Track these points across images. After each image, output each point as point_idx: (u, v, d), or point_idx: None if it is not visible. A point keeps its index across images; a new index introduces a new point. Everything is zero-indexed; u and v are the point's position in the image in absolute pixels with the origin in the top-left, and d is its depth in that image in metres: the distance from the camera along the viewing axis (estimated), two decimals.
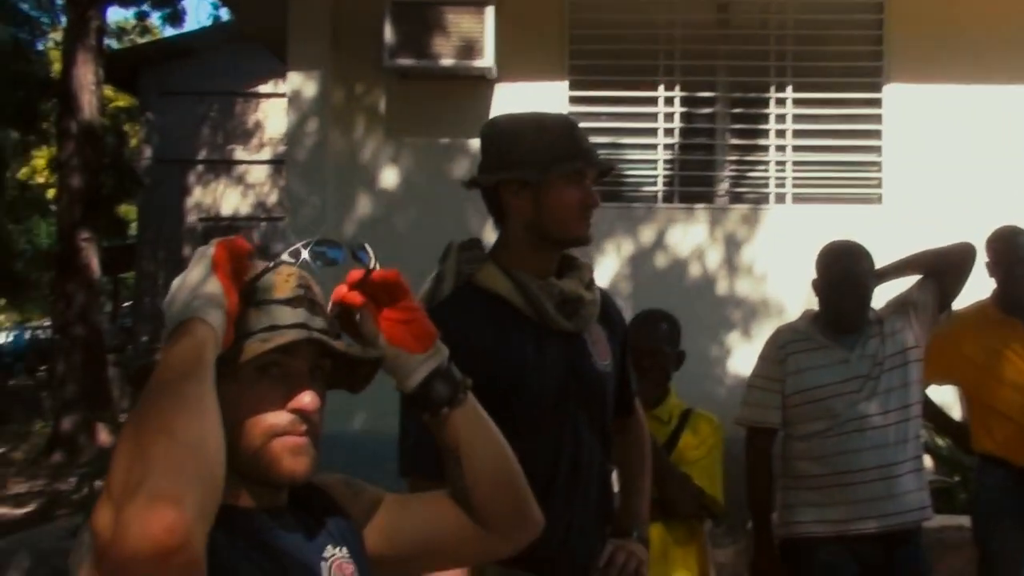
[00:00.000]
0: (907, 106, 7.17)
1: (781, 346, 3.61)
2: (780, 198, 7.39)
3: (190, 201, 18.05)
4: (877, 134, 7.29)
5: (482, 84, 7.33)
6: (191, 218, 17.94)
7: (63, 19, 14.44)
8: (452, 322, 2.29)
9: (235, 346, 1.33)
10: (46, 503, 9.75)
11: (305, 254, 1.43)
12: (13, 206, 16.87)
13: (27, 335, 26.83)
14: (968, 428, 4.10)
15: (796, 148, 7.42)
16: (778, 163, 7.44)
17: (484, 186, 2.39)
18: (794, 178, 7.39)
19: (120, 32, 24.51)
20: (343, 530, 1.50)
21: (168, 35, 22.85)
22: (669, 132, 7.52)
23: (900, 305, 3.61)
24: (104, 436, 12.21)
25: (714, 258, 7.40)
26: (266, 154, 18.27)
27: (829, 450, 3.46)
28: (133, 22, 22.82)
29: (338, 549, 1.46)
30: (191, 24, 65.35)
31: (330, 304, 1.49)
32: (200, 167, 18.28)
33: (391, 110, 7.46)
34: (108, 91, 18.99)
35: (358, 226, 7.50)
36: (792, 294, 6.54)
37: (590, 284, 2.45)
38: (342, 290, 1.50)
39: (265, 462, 1.37)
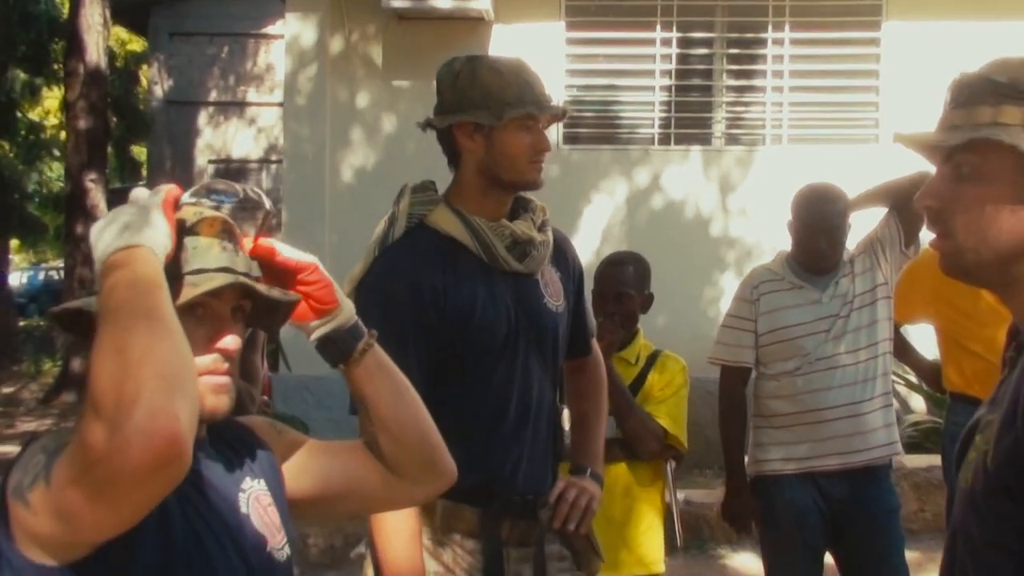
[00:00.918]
0: (906, 44, 7.13)
1: (755, 286, 3.66)
2: (776, 139, 7.39)
3: (201, 143, 18.03)
4: (875, 74, 7.26)
5: (480, 26, 7.32)
6: (201, 160, 17.95)
7: None
8: (404, 262, 2.35)
9: None
10: None
11: (207, 200, 1.48)
12: (24, 147, 16.90)
13: (41, 276, 27.06)
14: (939, 366, 4.14)
15: (793, 89, 7.40)
16: (774, 104, 7.42)
17: (439, 128, 2.43)
18: (790, 119, 7.39)
19: None
20: (263, 465, 1.59)
21: None
22: (666, 74, 7.51)
23: (868, 244, 3.64)
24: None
25: (709, 200, 7.42)
26: (277, 96, 18.22)
27: (799, 389, 3.51)
28: None
29: (256, 482, 1.55)
30: None
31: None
32: (211, 109, 18.25)
33: (388, 53, 7.47)
34: (121, 33, 18.92)
35: (355, 169, 7.55)
36: (787, 235, 6.55)
37: (543, 226, 2.49)
38: (254, 242, 1.55)
39: None
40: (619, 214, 7.45)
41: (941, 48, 6.91)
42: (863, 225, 3.72)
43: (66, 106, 13.31)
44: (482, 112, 2.36)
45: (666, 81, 7.50)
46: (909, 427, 6.94)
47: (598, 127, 7.65)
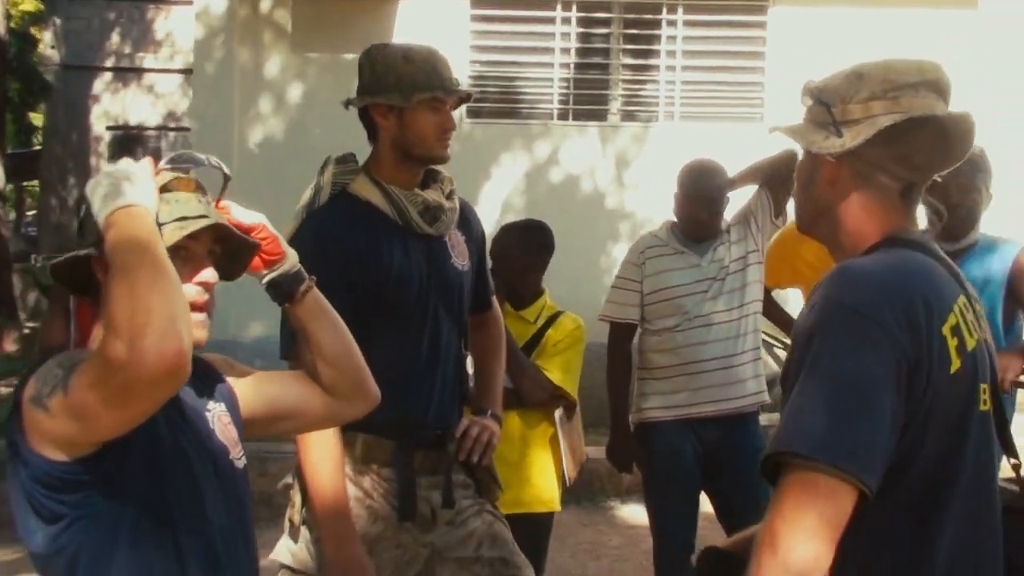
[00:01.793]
0: (791, 28, 7.57)
1: (641, 251, 4.04)
2: (669, 116, 7.79)
3: (98, 109, 17.78)
4: (761, 55, 7.70)
5: (386, 1, 7.55)
6: (99, 126, 17.74)
7: None
8: (330, 225, 2.67)
9: None
10: None
11: (181, 166, 1.81)
12: None
13: None
14: None
15: (685, 68, 7.80)
16: (668, 83, 7.82)
17: (358, 107, 2.75)
18: (682, 98, 7.79)
19: None
20: (222, 391, 1.93)
21: None
22: (565, 52, 7.84)
23: (743, 215, 4.04)
24: (8, 344, 12.26)
25: (606, 174, 7.80)
26: (177, 63, 18.07)
27: (679, 343, 3.90)
28: None
29: (218, 405, 1.90)
30: None
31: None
32: (109, 75, 18.02)
33: (296, 25, 7.65)
34: None
35: (263, 139, 7.73)
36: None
37: (450, 194, 2.83)
38: (216, 203, 1.87)
39: None
40: (520, 185, 7.79)
41: (823, 33, 7.37)
42: (739, 199, 4.11)
43: None
44: (394, 95, 2.68)
45: (566, 59, 7.84)
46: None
47: (501, 102, 7.96)
